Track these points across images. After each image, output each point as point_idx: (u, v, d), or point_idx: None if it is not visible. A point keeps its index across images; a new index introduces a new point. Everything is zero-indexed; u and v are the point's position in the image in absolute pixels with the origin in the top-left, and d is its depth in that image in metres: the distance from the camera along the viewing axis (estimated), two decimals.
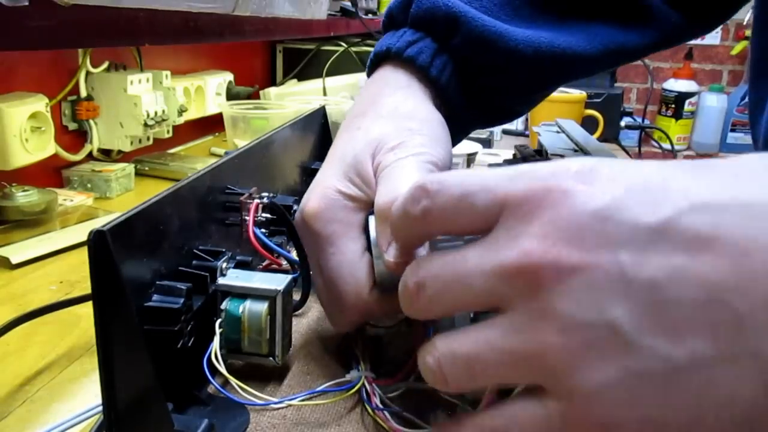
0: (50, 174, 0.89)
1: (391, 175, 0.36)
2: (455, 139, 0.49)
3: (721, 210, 0.18)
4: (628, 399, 0.18)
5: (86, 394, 0.44)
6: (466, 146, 0.94)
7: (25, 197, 0.74)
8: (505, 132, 1.45)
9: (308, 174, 0.65)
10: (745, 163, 0.19)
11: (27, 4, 0.58)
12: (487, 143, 1.22)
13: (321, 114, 0.69)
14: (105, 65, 0.97)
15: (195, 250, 0.35)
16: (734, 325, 0.17)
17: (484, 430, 0.22)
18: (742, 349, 0.17)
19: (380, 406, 0.35)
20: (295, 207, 0.45)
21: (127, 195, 0.89)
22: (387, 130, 0.38)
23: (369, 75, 0.48)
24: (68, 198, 0.82)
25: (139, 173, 0.96)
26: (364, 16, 1.70)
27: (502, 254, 0.21)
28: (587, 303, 0.19)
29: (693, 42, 2.83)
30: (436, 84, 0.45)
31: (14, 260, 0.64)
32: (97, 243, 0.24)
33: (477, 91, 0.48)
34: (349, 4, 1.64)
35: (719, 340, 0.18)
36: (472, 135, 0.66)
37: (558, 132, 0.87)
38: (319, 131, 0.68)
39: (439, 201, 0.23)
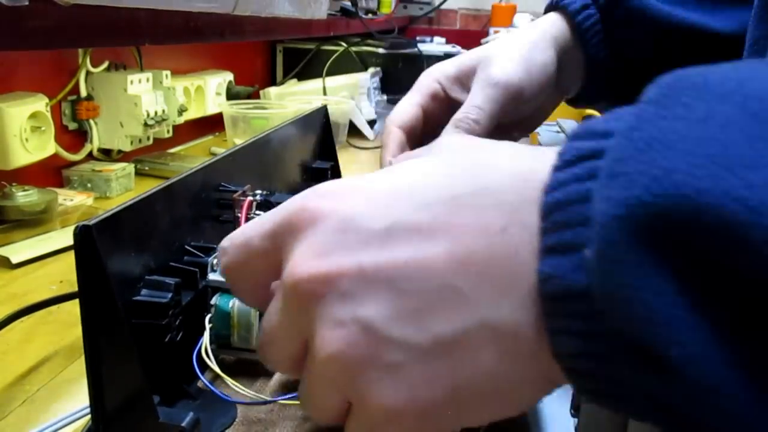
0: (50, 174, 0.90)
1: None
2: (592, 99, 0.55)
3: (436, 206, 0.21)
4: (398, 388, 0.20)
5: (86, 394, 0.44)
6: None
7: (25, 197, 0.75)
8: None
9: (309, 173, 0.64)
10: (457, 162, 0.22)
11: (27, 3, 0.58)
12: None
13: (323, 113, 0.69)
14: (105, 65, 0.98)
15: (186, 246, 0.36)
16: (460, 303, 0.20)
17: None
18: (472, 322, 0.20)
19: None
20: None
21: (127, 195, 0.89)
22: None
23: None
24: (68, 198, 0.83)
25: (139, 173, 0.96)
26: (364, 16, 1.70)
27: (279, 291, 0.23)
28: (342, 309, 0.20)
29: None
30: (580, 30, 0.50)
31: (14, 260, 0.65)
32: (83, 237, 0.25)
33: (619, 53, 0.51)
34: (349, 4, 1.64)
35: (452, 319, 0.20)
36: None
37: (558, 132, 0.87)
38: (320, 130, 0.69)
39: (231, 254, 0.25)
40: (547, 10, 0.53)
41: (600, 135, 0.18)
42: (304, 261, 0.21)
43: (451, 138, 0.25)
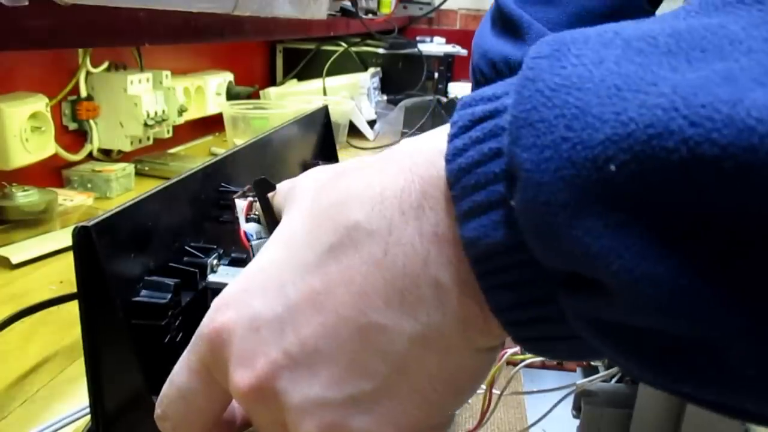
0: (50, 174, 0.90)
1: None
2: None
3: (318, 267, 0.21)
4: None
5: (86, 394, 0.44)
6: None
7: (26, 197, 0.75)
8: None
9: None
10: (315, 212, 0.22)
11: (27, 4, 0.58)
12: None
13: (323, 113, 0.69)
14: (105, 65, 0.98)
15: (186, 247, 0.35)
16: (386, 334, 0.20)
17: None
18: (403, 346, 0.20)
19: None
20: None
21: (127, 195, 0.89)
22: None
23: None
24: (68, 198, 0.83)
25: (139, 173, 0.97)
26: (364, 16, 1.70)
27: (243, 405, 0.23)
28: (296, 398, 0.21)
29: None
30: None
31: (14, 260, 0.65)
32: (81, 238, 0.25)
33: None
34: (349, 4, 1.64)
35: (386, 352, 0.20)
36: None
37: None
38: (321, 131, 0.69)
39: (172, 411, 0.24)
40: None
41: (490, 98, 0.18)
42: (241, 374, 0.22)
43: (307, 179, 0.25)
